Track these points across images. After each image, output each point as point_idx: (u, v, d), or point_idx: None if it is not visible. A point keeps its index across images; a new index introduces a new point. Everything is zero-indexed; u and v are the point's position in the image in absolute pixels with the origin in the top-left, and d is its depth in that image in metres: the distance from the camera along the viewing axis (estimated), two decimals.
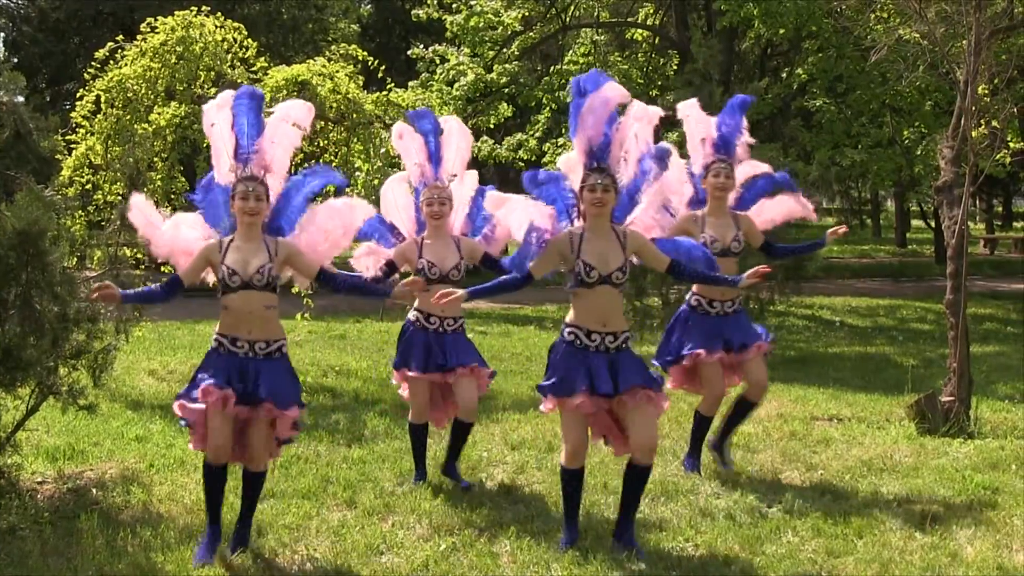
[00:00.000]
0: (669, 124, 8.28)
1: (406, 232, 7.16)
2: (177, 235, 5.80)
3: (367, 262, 7.10)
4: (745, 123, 7.52)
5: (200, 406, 5.49)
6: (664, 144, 6.01)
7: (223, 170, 5.73)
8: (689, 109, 7.61)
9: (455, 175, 7.10)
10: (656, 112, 5.99)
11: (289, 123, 5.84)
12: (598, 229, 5.73)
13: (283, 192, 5.80)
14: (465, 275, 6.99)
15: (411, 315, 7.08)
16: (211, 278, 5.78)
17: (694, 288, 7.32)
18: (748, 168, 7.59)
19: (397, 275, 7.02)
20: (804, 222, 8.38)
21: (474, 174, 7.35)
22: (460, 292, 5.82)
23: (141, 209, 5.84)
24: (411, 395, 7.14)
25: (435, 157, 7.08)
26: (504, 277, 5.92)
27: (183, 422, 5.67)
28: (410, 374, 6.99)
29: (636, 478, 5.89)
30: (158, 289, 5.74)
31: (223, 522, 5.87)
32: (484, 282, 5.96)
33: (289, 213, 5.81)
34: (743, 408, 7.55)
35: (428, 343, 6.97)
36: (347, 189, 12.08)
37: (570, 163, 5.96)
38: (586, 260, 5.66)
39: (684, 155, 7.41)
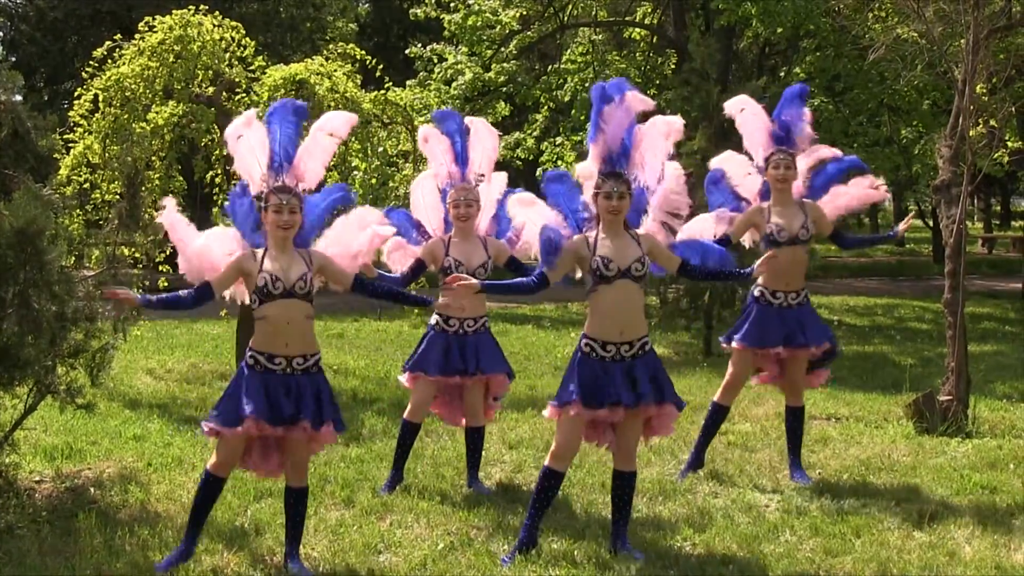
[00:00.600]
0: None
1: (432, 230, 7.15)
2: (207, 252, 5.60)
3: (397, 256, 7.12)
4: (808, 112, 7.40)
5: (238, 430, 5.40)
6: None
7: (254, 180, 5.59)
8: (743, 103, 7.50)
9: (483, 175, 7.07)
10: (679, 126, 5.95)
11: (326, 133, 5.76)
12: (613, 232, 5.73)
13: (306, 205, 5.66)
14: (491, 274, 6.96)
15: (432, 319, 7.06)
16: (241, 290, 5.66)
17: (759, 280, 7.25)
18: (814, 154, 7.48)
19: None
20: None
21: (503, 175, 7.31)
22: (474, 281, 5.76)
23: (173, 223, 5.64)
24: (414, 392, 7.11)
25: (461, 158, 7.06)
26: (520, 279, 5.93)
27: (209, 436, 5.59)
28: (427, 379, 6.97)
29: (621, 483, 5.89)
30: (186, 296, 5.50)
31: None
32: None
33: (312, 225, 5.70)
34: (788, 416, 7.47)
35: (448, 346, 6.94)
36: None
37: (585, 171, 5.94)
38: (603, 255, 5.65)
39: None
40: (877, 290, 24.35)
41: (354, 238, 5.77)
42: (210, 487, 5.62)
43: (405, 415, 7.15)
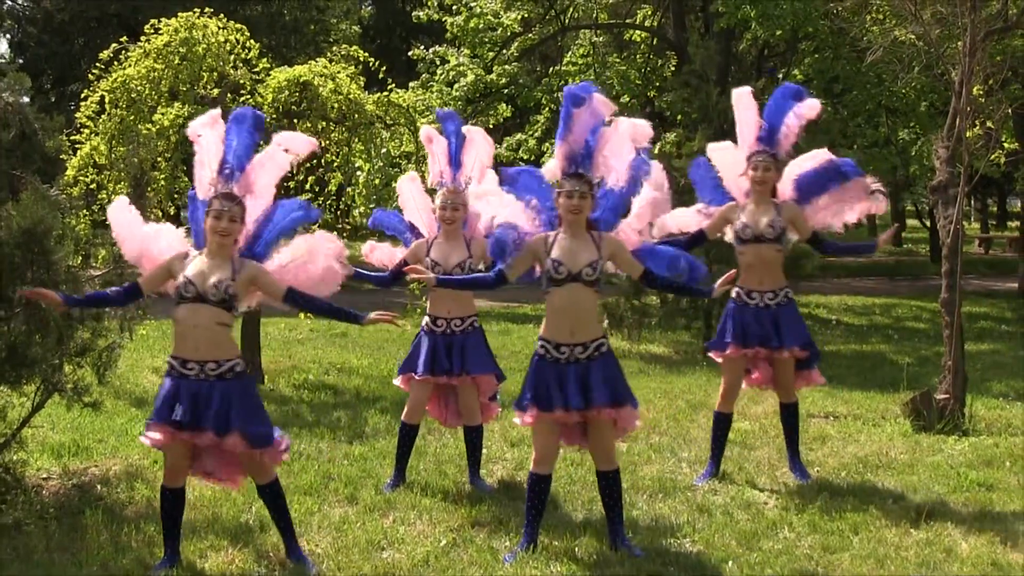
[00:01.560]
0: (668, 125, 8.24)
1: (425, 230, 7.17)
2: (152, 243, 5.54)
3: (379, 256, 7.14)
4: (799, 113, 7.11)
5: (156, 436, 5.33)
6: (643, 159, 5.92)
7: (203, 184, 5.54)
8: (740, 96, 7.33)
9: (471, 178, 7.09)
10: (645, 131, 5.89)
11: (283, 149, 5.67)
12: (573, 232, 5.71)
13: (263, 218, 5.59)
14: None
15: (423, 320, 7.08)
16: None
17: (738, 281, 7.13)
18: (817, 158, 7.24)
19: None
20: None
21: (492, 176, 7.31)
22: (430, 275, 5.85)
23: (123, 209, 5.62)
24: (410, 394, 7.15)
25: (455, 160, 7.09)
26: (478, 274, 6.01)
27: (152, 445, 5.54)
28: (416, 378, 6.99)
29: (606, 483, 5.88)
30: (114, 294, 5.53)
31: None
32: None
33: (266, 240, 5.59)
34: (783, 412, 7.43)
35: (435, 346, 6.96)
36: (348, 189, 12.12)
37: (550, 171, 5.92)
38: (555, 257, 5.65)
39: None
40: (875, 290, 24.34)
41: (311, 263, 5.61)
42: (165, 499, 5.55)
43: (403, 417, 7.17)
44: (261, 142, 5.74)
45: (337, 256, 5.64)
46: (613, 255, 5.79)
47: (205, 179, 5.54)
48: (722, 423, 7.38)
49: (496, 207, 5.92)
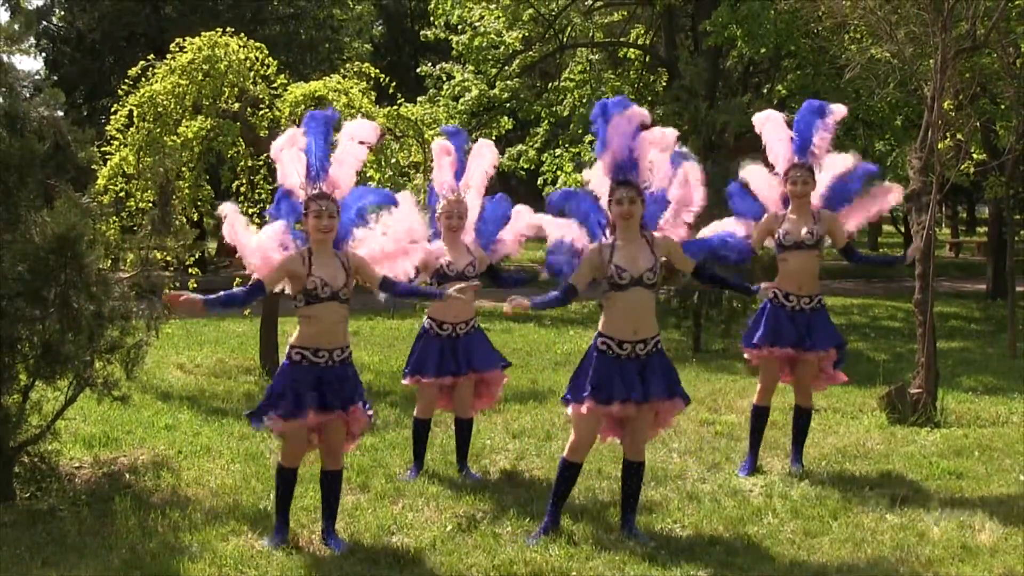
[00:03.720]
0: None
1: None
2: (263, 245, 5.58)
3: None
4: (826, 124, 7.09)
5: (299, 421, 5.43)
6: (682, 151, 5.99)
7: (294, 187, 5.61)
8: (767, 117, 7.30)
9: (469, 186, 7.10)
10: (671, 138, 5.89)
11: (356, 141, 5.75)
12: (628, 237, 5.68)
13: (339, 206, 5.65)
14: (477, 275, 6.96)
15: (425, 323, 7.06)
16: (287, 287, 5.61)
17: (778, 281, 7.13)
18: (835, 164, 7.21)
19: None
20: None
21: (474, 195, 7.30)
22: (525, 301, 5.66)
23: (231, 221, 5.64)
24: (420, 393, 7.16)
25: (459, 173, 7.10)
26: (551, 294, 5.75)
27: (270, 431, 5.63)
28: (424, 381, 6.99)
29: (632, 473, 5.88)
30: (240, 293, 5.47)
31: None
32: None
33: (344, 227, 5.68)
34: (796, 415, 7.38)
35: (442, 349, 6.96)
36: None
37: (596, 178, 5.90)
38: (618, 264, 5.62)
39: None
40: (853, 291, 24.31)
41: (399, 245, 5.81)
42: (283, 478, 5.70)
43: (416, 413, 7.18)
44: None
45: (413, 234, 5.88)
46: (668, 252, 5.80)
47: (295, 183, 5.60)
48: (759, 416, 7.30)
49: (559, 229, 5.86)
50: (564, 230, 5.83)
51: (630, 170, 5.70)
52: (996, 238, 22.55)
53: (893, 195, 7.27)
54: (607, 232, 5.78)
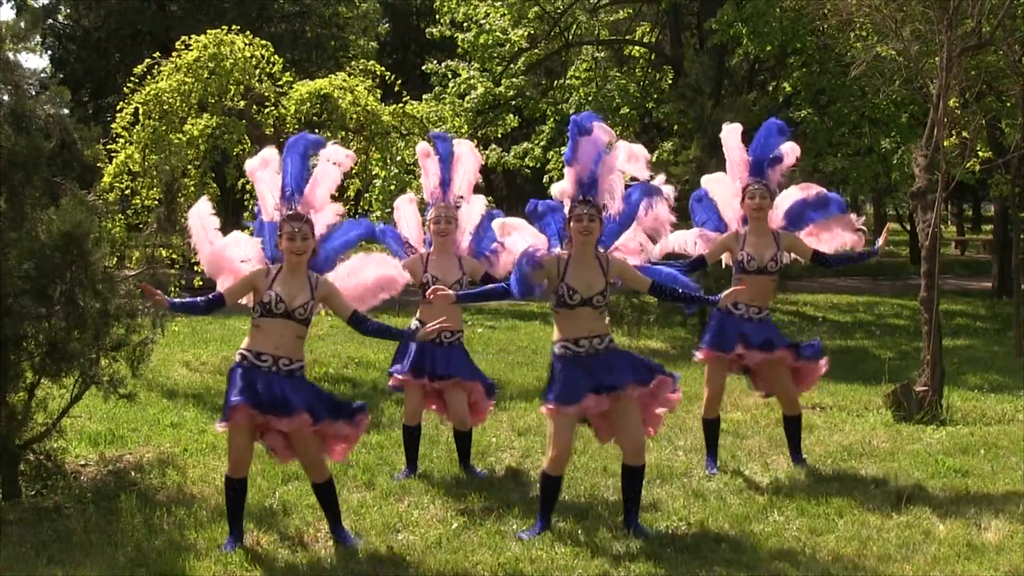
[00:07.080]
0: (665, 135, 8.20)
1: (416, 246, 7.17)
2: (227, 254, 5.66)
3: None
4: (786, 147, 7.17)
5: (232, 421, 5.43)
6: (654, 184, 6.00)
7: (269, 209, 5.66)
8: (729, 135, 7.31)
9: (462, 197, 7.10)
10: (642, 153, 5.96)
11: (331, 163, 5.76)
12: (583, 255, 5.71)
13: (324, 235, 5.70)
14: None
15: (412, 324, 7.04)
16: (250, 300, 5.65)
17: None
18: (808, 191, 7.29)
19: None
20: None
21: (482, 198, 7.32)
22: (450, 292, 5.85)
23: (201, 219, 5.71)
24: (406, 398, 7.16)
25: (445, 179, 7.09)
26: (492, 285, 6.03)
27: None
28: (399, 376, 6.99)
29: (630, 477, 5.86)
30: (200, 302, 5.57)
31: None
32: None
33: (328, 254, 5.73)
34: (786, 424, 7.39)
35: (422, 349, 6.94)
36: (365, 195, 12.11)
37: (563, 192, 5.89)
38: (570, 284, 5.65)
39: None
40: (859, 289, 24.29)
41: (369, 279, 5.80)
42: (229, 487, 5.63)
43: (403, 420, 7.18)
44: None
45: (390, 265, 5.89)
46: (620, 274, 5.82)
47: (270, 204, 5.66)
48: (709, 427, 7.33)
49: (531, 239, 5.89)
50: (534, 241, 5.85)
51: (590, 190, 5.73)
52: (1002, 236, 22.53)
53: (851, 236, 7.26)
54: (563, 244, 5.81)
